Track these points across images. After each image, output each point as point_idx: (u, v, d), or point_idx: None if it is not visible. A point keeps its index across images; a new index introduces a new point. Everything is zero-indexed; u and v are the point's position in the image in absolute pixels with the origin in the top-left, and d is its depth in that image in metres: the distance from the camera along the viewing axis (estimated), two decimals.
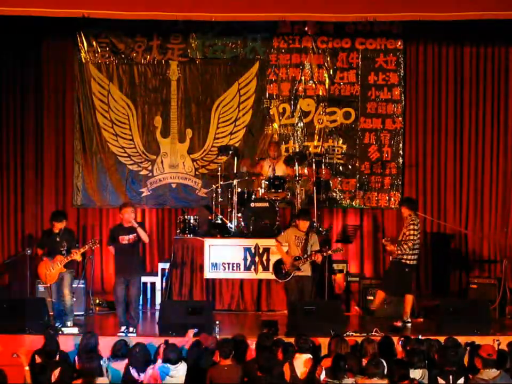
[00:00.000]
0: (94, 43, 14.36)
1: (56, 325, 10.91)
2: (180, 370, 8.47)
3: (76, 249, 11.19)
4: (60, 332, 10.59)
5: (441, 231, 14.18)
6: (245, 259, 12.66)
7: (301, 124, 14.50)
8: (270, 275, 12.54)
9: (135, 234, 10.97)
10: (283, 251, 11.68)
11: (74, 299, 11.64)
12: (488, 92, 14.19)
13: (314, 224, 12.76)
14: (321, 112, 14.45)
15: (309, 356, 8.80)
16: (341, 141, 14.46)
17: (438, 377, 8.15)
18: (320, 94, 14.45)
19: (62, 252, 11.13)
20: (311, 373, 8.60)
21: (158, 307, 12.42)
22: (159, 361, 8.61)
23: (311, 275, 11.58)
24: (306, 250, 11.44)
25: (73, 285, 11.57)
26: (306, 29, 14.30)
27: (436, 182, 14.34)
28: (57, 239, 11.17)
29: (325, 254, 11.53)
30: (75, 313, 11.60)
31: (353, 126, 14.46)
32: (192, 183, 14.54)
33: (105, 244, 11.98)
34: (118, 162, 14.50)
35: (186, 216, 13.13)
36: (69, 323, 11.13)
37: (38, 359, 8.79)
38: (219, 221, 13.12)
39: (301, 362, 8.72)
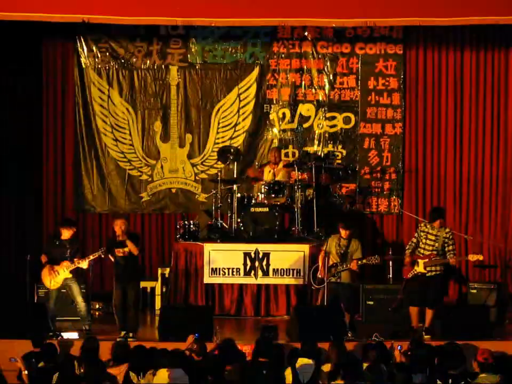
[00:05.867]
0: (94, 48, 14.36)
1: (52, 329, 10.94)
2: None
3: (80, 256, 11.27)
4: (59, 337, 10.63)
5: None
6: (245, 264, 12.67)
7: (300, 129, 14.50)
8: (269, 280, 12.57)
9: (128, 248, 11.07)
10: (321, 259, 11.45)
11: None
12: (488, 96, 14.18)
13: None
14: (321, 117, 14.45)
15: (312, 361, 8.79)
16: (340, 146, 14.45)
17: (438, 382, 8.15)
18: (320, 99, 14.45)
19: (68, 258, 11.24)
20: (313, 378, 8.61)
21: (157, 312, 12.42)
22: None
23: (349, 282, 11.35)
24: (345, 257, 11.27)
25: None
26: (306, 33, 14.29)
27: (436, 186, 14.33)
28: (67, 246, 11.28)
29: (359, 262, 11.26)
30: (74, 318, 11.70)
31: (353, 131, 14.45)
32: (192, 188, 14.53)
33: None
34: (118, 167, 14.50)
35: (186, 221, 13.15)
36: (86, 326, 11.29)
37: (36, 364, 8.78)
38: (219, 226, 13.11)
39: (304, 367, 8.71)
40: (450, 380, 8.08)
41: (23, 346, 9.69)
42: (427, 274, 11.22)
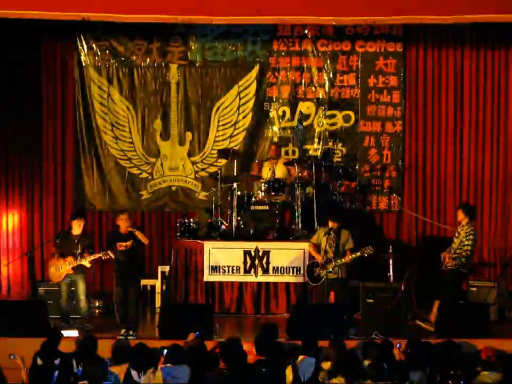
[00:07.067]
0: (94, 46, 14.36)
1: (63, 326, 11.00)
2: (182, 372, 8.41)
3: (89, 254, 11.33)
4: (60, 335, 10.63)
5: (441, 234, 14.14)
6: (245, 262, 12.67)
7: (300, 127, 14.50)
8: (269, 278, 12.57)
9: (132, 241, 11.10)
10: (315, 251, 11.55)
11: (91, 304, 12.04)
12: (488, 94, 14.19)
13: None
14: (321, 115, 14.45)
15: (313, 359, 8.80)
16: (340, 144, 14.45)
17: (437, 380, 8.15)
18: (320, 97, 14.44)
19: (75, 254, 11.30)
20: (314, 376, 8.60)
21: (157, 310, 12.42)
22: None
23: (345, 277, 11.54)
24: (338, 250, 11.29)
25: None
26: (306, 31, 14.30)
27: (436, 185, 14.32)
28: (75, 241, 11.37)
29: (353, 255, 11.39)
30: (75, 316, 11.74)
31: (353, 129, 14.45)
32: (192, 186, 14.54)
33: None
34: (118, 165, 14.50)
35: (186, 219, 13.15)
36: (90, 326, 11.38)
37: (38, 362, 8.78)
38: (219, 224, 13.11)
39: (305, 364, 8.72)
40: (450, 378, 8.09)
41: (23, 345, 9.71)
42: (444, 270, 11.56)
